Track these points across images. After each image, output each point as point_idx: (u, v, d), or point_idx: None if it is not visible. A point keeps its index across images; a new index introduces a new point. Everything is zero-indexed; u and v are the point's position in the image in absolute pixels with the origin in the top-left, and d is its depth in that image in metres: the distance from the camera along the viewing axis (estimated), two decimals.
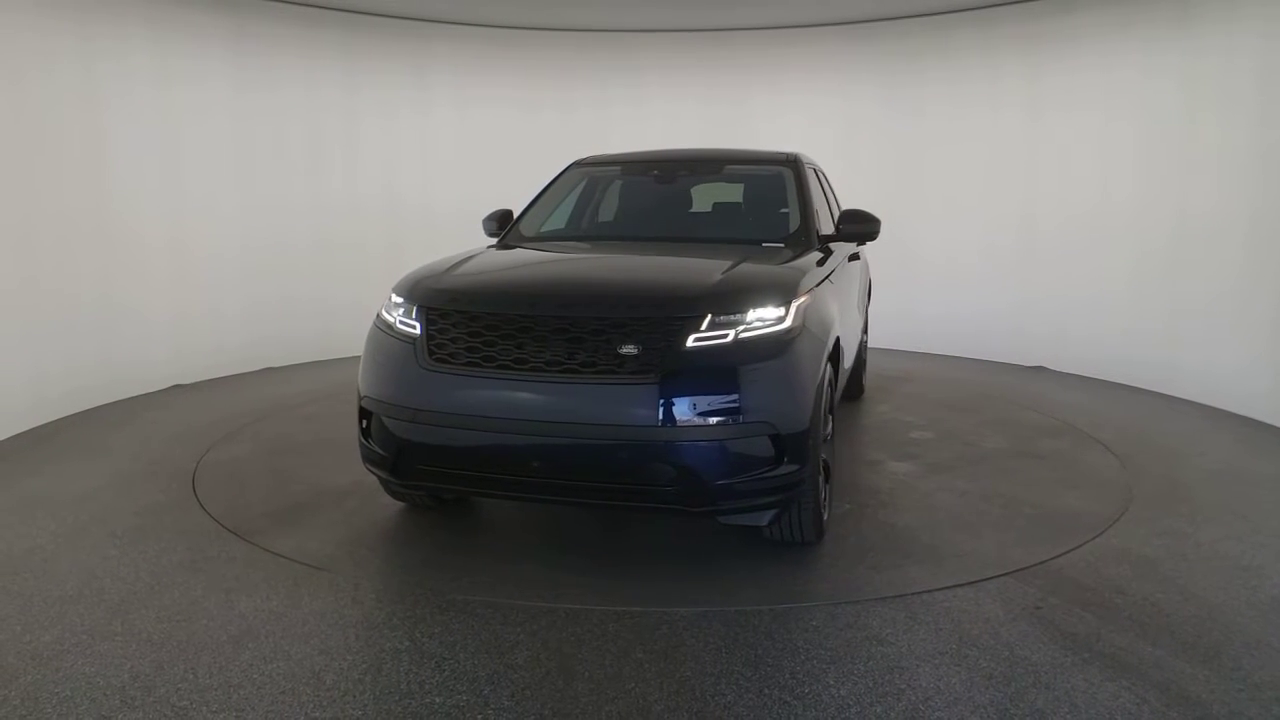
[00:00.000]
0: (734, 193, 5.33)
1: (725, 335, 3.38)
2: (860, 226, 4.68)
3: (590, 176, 5.42)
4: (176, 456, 5.08)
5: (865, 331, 6.64)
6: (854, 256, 5.44)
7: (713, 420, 3.28)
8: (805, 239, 4.51)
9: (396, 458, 3.61)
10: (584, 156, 5.63)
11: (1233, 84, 6.29)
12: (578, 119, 8.92)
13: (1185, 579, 3.58)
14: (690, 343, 3.34)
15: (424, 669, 2.86)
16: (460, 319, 3.57)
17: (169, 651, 2.95)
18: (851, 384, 6.37)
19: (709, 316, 3.40)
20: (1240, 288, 6.26)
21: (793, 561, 3.70)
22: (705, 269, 3.79)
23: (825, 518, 3.90)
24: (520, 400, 3.36)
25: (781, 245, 4.44)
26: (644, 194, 5.38)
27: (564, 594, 3.39)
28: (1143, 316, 7.03)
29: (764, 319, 3.47)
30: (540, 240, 4.95)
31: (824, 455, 3.86)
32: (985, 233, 8.12)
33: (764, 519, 3.59)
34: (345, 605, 3.30)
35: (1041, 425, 5.91)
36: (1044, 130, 7.67)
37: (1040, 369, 7.74)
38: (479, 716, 2.60)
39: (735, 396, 3.31)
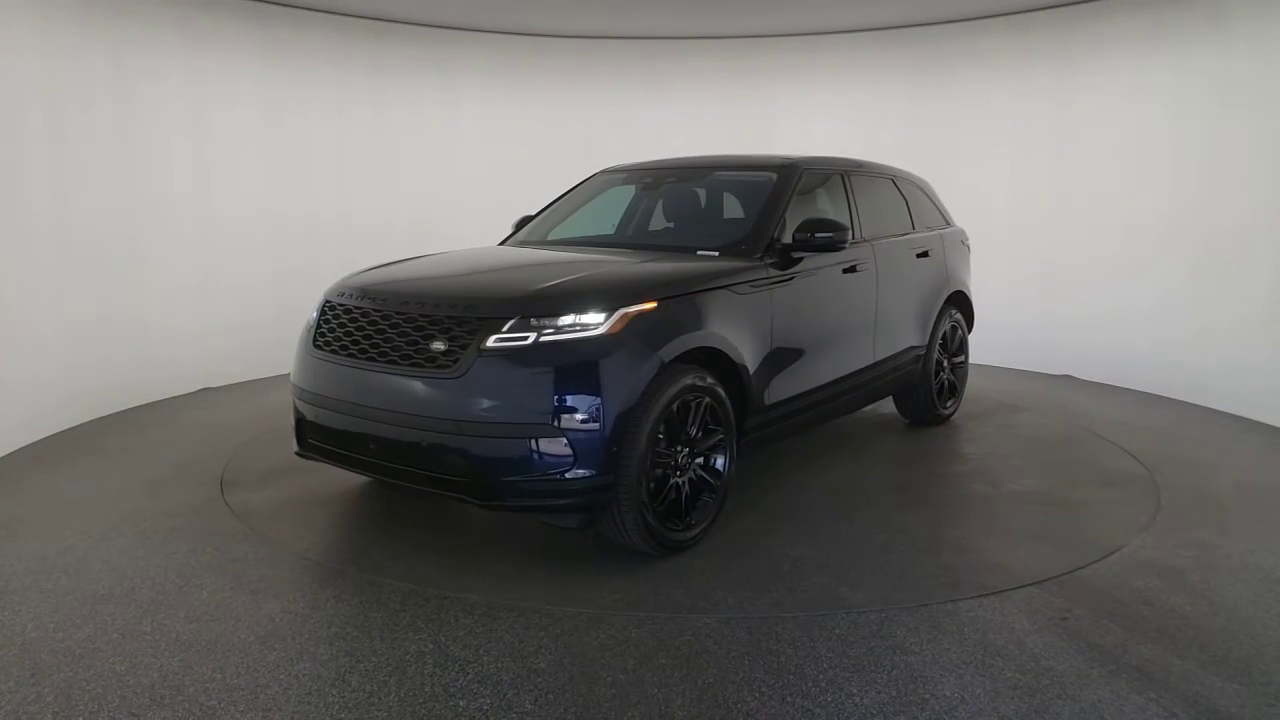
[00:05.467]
0: (705, 201, 5.26)
1: (526, 338, 3.45)
2: (814, 236, 4.34)
3: (595, 184, 5.59)
4: (205, 458, 5.15)
5: (946, 351, 5.99)
6: (856, 266, 4.93)
7: (499, 418, 3.40)
8: (749, 248, 4.34)
9: (296, 430, 4.10)
10: (609, 165, 5.70)
11: (1266, 92, 6.20)
12: (606, 126, 8.95)
13: (1215, 591, 3.53)
14: (490, 343, 3.45)
15: (448, 672, 2.88)
16: (340, 311, 3.98)
17: (198, 651, 2.99)
18: (911, 406, 5.93)
19: (516, 319, 3.48)
20: (1270, 296, 6.17)
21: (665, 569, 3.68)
22: (551, 273, 3.92)
23: (689, 534, 3.78)
24: (362, 386, 3.71)
25: (715, 254, 4.35)
26: (627, 201, 5.52)
27: (587, 598, 3.40)
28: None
29: (582, 324, 3.51)
30: (514, 245, 5.18)
31: (705, 472, 3.85)
32: (1013, 239, 8.04)
33: (571, 521, 3.63)
34: (370, 608, 3.33)
35: (1112, 472, 5.03)
36: (1073, 135, 7.61)
37: (1068, 377, 7.67)
38: None
39: (521, 397, 3.41)
